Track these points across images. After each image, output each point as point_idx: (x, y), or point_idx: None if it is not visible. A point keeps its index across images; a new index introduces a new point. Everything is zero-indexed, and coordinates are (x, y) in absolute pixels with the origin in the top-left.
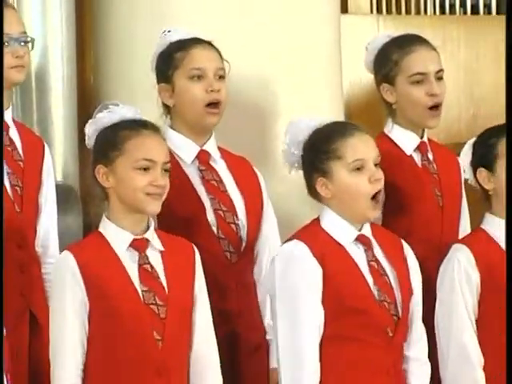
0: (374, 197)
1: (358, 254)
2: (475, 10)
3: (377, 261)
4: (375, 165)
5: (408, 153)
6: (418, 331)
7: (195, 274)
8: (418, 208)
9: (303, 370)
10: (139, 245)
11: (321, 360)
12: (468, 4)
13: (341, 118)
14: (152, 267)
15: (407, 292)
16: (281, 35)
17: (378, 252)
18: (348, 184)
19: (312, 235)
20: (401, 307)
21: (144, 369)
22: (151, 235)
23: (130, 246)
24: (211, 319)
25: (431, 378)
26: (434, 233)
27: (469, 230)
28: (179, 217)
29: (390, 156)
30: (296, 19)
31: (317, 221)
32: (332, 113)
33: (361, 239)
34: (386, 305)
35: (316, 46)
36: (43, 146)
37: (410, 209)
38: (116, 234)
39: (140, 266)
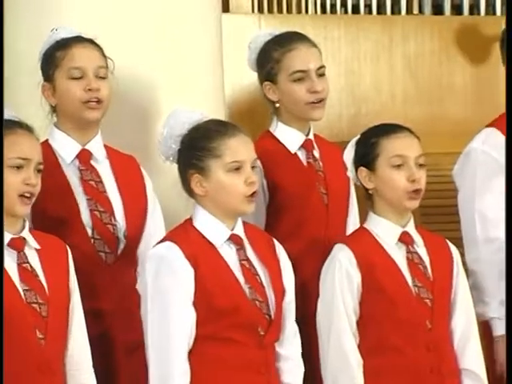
0: (250, 195)
1: (230, 254)
2: (356, 10)
3: (248, 260)
4: (252, 167)
5: (293, 151)
6: (291, 330)
7: (69, 273)
8: (303, 206)
9: (172, 371)
10: (16, 243)
11: (193, 360)
12: (349, 4)
13: (222, 118)
14: (31, 266)
15: (279, 291)
16: (160, 34)
17: (249, 251)
18: (224, 184)
19: (184, 236)
20: (273, 306)
21: (27, 367)
22: (27, 234)
23: (8, 245)
24: (83, 319)
25: (315, 377)
26: (318, 231)
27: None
28: (53, 217)
29: (275, 154)
30: (176, 18)
31: (189, 220)
32: (213, 113)
33: (233, 239)
34: (258, 304)
35: (197, 45)
36: None
37: (295, 207)
38: None
39: (19, 265)
